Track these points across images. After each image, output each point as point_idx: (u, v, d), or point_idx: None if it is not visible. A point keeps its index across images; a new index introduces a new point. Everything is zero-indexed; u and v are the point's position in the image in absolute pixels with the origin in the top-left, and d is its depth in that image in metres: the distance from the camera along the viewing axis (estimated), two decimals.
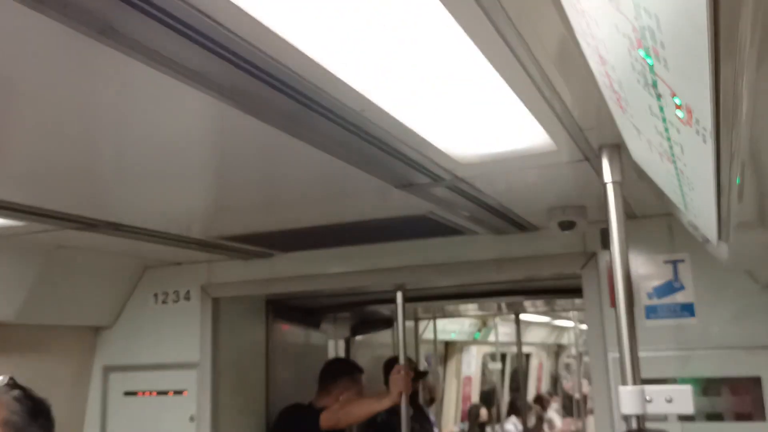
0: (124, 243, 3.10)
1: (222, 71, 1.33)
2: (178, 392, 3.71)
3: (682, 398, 1.77)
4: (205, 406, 3.61)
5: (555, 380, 12.41)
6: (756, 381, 2.68)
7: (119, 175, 2.16)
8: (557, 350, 12.40)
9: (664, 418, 2.58)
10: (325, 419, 3.61)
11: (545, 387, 11.82)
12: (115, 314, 3.93)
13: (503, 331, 8.49)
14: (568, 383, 11.58)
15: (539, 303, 6.04)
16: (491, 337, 8.81)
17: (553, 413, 10.10)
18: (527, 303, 6.02)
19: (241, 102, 1.49)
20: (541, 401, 9.81)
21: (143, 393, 3.81)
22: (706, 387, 2.73)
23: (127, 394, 3.84)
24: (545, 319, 8.64)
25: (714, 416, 2.71)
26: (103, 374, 3.89)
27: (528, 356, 11.10)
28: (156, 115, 1.62)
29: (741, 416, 2.69)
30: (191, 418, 3.63)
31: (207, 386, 3.62)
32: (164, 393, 3.75)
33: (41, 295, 3.34)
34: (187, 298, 3.78)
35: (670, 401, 1.77)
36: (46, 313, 3.45)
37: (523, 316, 7.14)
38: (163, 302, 3.84)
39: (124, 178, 2.20)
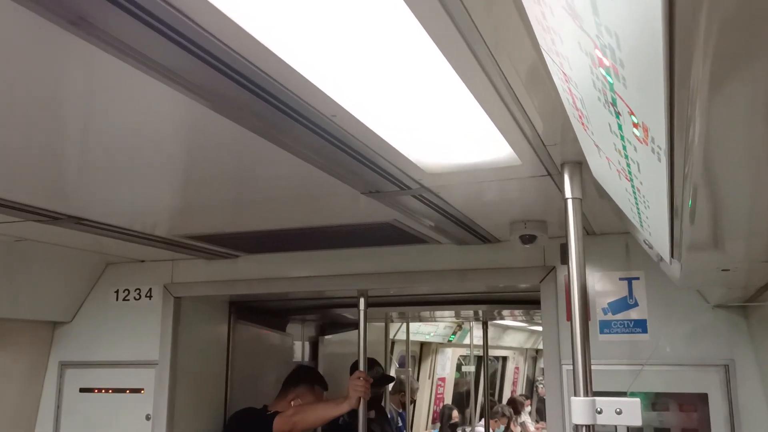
0: (86, 238, 3.07)
1: (193, 69, 1.33)
2: (136, 390, 3.67)
3: (632, 410, 1.82)
4: (162, 405, 3.58)
5: (532, 384, 12.48)
6: (703, 397, 2.77)
7: (84, 169, 2.14)
8: (535, 355, 12.47)
9: (613, 430, 2.65)
10: (279, 424, 3.57)
11: (522, 390, 11.89)
12: (74, 310, 3.87)
13: (478, 334, 8.57)
14: (543, 388, 11.68)
15: (514, 310, 6.11)
16: (466, 340, 8.88)
17: (526, 417, 10.18)
18: (496, 311, 6.09)
19: (212, 101, 1.50)
20: (514, 404, 9.88)
21: (99, 390, 3.76)
22: (655, 402, 2.81)
23: (83, 390, 3.79)
24: (519, 323, 8.74)
25: (661, 431, 2.79)
26: (59, 370, 3.84)
27: (504, 359, 11.18)
28: (124, 109, 1.61)
29: (687, 431, 2.77)
30: (147, 417, 3.59)
31: (165, 385, 3.59)
32: (121, 390, 3.71)
33: None
34: (149, 296, 3.75)
35: (619, 413, 1.82)
36: (2, 306, 3.38)
37: (499, 320, 7.24)
38: (125, 299, 3.81)
39: (89, 172, 2.18)
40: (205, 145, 1.90)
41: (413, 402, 7.49)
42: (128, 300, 3.80)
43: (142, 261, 3.83)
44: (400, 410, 7.26)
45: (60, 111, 1.64)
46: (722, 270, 1.79)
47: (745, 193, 1.14)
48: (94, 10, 1.12)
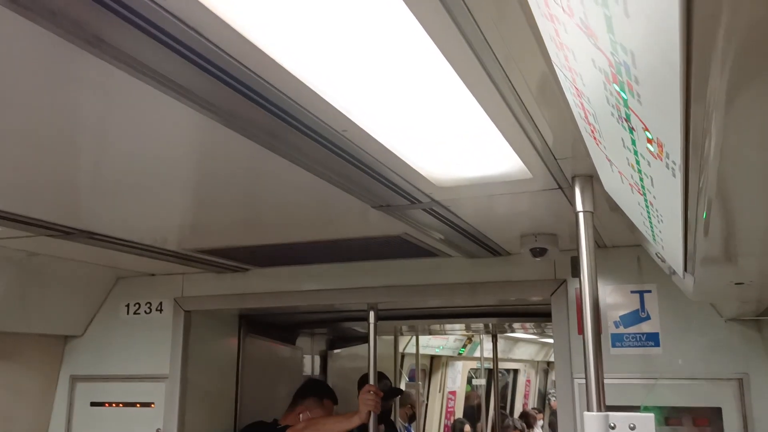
0: (97, 252, 3.08)
1: (206, 85, 1.35)
2: (146, 404, 3.67)
3: (645, 425, 1.81)
4: (172, 419, 3.58)
5: (544, 397, 12.38)
6: (717, 411, 2.74)
7: (98, 185, 2.16)
8: (546, 367, 12.38)
9: None
10: None
11: (533, 404, 11.80)
12: (85, 324, 3.88)
13: (488, 347, 8.53)
14: (555, 401, 11.57)
15: (525, 323, 6.08)
16: (477, 353, 8.84)
17: (539, 431, 10.11)
18: (507, 324, 6.07)
19: (224, 116, 1.51)
20: (527, 418, 9.81)
21: (110, 404, 3.76)
22: (668, 416, 2.78)
23: (94, 404, 3.79)
24: (530, 336, 8.70)
25: None
26: (70, 384, 3.85)
27: (516, 372, 11.11)
28: (138, 126, 1.62)
29: None
30: (158, 431, 3.58)
31: (175, 400, 3.60)
32: (132, 405, 3.71)
33: (10, 303, 3.30)
34: (160, 310, 3.76)
35: (633, 428, 1.81)
36: (14, 321, 3.40)
37: (510, 333, 7.21)
38: (135, 313, 3.81)
39: (102, 188, 2.19)
40: (216, 160, 1.92)
41: (416, 417, 7.44)
42: (139, 314, 3.81)
43: (153, 275, 3.85)
44: (407, 424, 7.22)
45: (74, 128, 1.66)
46: (736, 284, 1.78)
47: (759, 207, 1.14)
48: (111, 30, 1.13)
